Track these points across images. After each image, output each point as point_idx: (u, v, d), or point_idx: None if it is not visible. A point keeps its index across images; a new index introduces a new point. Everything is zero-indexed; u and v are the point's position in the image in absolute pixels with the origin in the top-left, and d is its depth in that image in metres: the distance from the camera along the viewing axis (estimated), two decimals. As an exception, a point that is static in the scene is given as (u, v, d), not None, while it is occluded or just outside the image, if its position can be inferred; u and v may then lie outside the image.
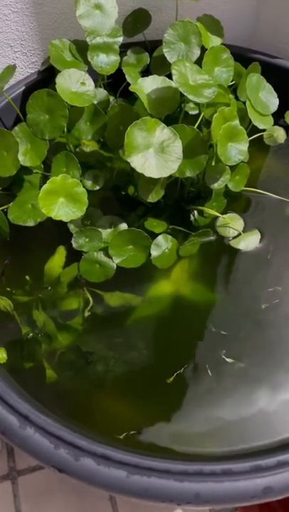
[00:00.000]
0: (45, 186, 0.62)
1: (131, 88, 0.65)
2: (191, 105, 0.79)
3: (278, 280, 0.70)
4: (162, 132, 0.62)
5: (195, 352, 0.64)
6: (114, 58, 0.76)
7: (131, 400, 0.61)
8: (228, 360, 0.62)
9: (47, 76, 0.82)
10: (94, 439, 0.51)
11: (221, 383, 0.61)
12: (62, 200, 0.64)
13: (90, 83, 0.71)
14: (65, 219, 0.64)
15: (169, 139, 0.62)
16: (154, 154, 0.62)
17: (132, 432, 0.57)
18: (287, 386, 0.60)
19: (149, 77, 0.67)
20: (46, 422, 0.52)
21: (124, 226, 0.72)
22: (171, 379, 0.61)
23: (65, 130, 0.72)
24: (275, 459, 0.49)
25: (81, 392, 0.60)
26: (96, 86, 0.77)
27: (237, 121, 0.66)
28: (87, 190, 0.73)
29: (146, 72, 0.83)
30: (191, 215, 0.76)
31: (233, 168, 0.72)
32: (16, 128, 0.71)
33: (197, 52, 0.73)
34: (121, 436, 0.56)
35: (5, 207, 0.72)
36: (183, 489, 0.48)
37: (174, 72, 0.63)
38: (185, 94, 0.61)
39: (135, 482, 0.48)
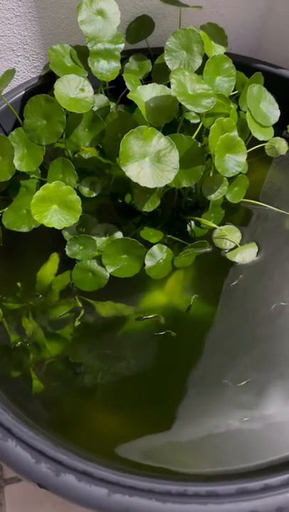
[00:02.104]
0: (37, 193, 0.61)
1: (129, 96, 0.64)
2: (193, 114, 0.78)
3: (275, 294, 0.69)
4: (159, 141, 0.61)
5: (186, 365, 0.62)
6: (114, 65, 0.75)
7: (119, 414, 0.59)
8: (219, 375, 0.61)
9: (47, 81, 0.82)
10: (76, 454, 0.50)
11: (211, 399, 0.59)
12: (55, 207, 0.63)
13: (89, 89, 0.70)
14: (57, 226, 0.63)
15: (166, 148, 0.61)
16: (150, 164, 0.61)
17: (118, 448, 0.56)
18: (279, 407, 0.59)
19: (148, 85, 0.66)
20: (28, 434, 0.50)
21: (119, 235, 0.71)
22: (162, 394, 0.59)
23: (64, 136, 0.72)
24: (262, 482, 0.48)
25: (68, 405, 0.59)
26: (97, 92, 0.77)
27: (235, 132, 0.65)
28: (84, 197, 0.72)
29: (148, 80, 0.82)
30: (188, 226, 0.75)
31: (231, 179, 0.71)
32: (13, 133, 0.70)
33: (199, 61, 0.72)
34: (106, 451, 0.55)
35: (0, 212, 0.71)
36: (165, 510, 0.46)
37: (172, 81, 0.62)
38: (183, 103, 0.60)
39: (116, 501, 0.47)
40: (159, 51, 0.81)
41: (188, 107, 0.61)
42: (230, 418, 0.58)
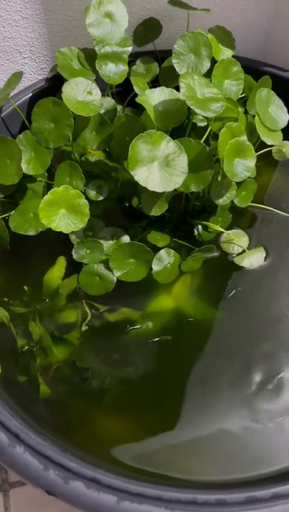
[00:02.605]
0: (46, 197, 0.61)
1: (138, 99, 0.64)
2: (200, 117, 0.78)
3: (282, 300, 0.68)
4: (167, 146, 0.61)
5: (193, 370, 0.62)
6: (122, 68, 0.75)
7: (126, 420, 0.59)
8: (227, 380, 0.61)
9: (54, 83, 0.82)
10: (84, 460, 0.50)
11: (220, 405, 0.59)
12: (63, 211, 0.62)
13: (96, 92, 0.70)
14: (65, 230, 0.63)
15: (175, 152, 0.61)
16: (159, 168, 0.61)
17: (126, 454, 0.55)
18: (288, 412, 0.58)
19: (157, 88, 0.66)
20: (36, 441, 0.50)
21: (126, 238, 0.71)
22: (170, 400, 0.59)
23: (70, 139, 0.71)
24: (271, 490, 0.47)
25: (75, 410, 0.59)
26: (104, 95, 0.76)
27: (245, 137, 0.65)
28: (91, 201, 0.72)
29: (155, 82, 0.82)
30: (195, 230, 0.74)
31: (239, 183, 0.71)
32: (21, 136, 0.70)
33: (207, 65, 0.72)
34: (114, 458, 0.55)
35: (6, 215, 0.71)
36: (174, 518, 0.46)
37: (181, 85, 0.62)
38: (192, 107, 0.60)
39: (125, 509, 0.46)
40: (166, 54, 0.81)
41: (198, 111, 0.60)
42: (239, 426, 0.57)
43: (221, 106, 0.61)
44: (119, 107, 0.80)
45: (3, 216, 0.70)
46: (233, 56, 0.77)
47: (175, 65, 0.71)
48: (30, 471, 0.48)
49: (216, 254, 0.72)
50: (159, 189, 0.60)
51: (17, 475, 0.50)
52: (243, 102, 0.80)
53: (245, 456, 0.55)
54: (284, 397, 0.60)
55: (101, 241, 0.69)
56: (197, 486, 0.52)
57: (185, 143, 0.62)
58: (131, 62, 0.81)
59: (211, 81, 0.70)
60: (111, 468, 0.51)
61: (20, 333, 0.64)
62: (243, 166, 0.65)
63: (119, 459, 0.55)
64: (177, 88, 0.66)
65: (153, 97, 0.65)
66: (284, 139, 0.75)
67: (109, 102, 0.77)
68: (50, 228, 0.64)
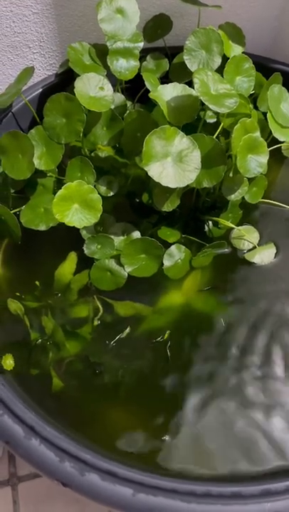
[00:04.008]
0: (60, 192, 0.61)
1: (150, 95, 0.64)
2: (210, 113, 0.78)
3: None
4: (181, 141, 0.61)
5: (205, 365, 0.63)
6: (133, 63, 0.75)
7: (139, 413, 0.59)
8: (240, 373, 0.61)
9: (64, 79, 0.82)
10: (100, 453, 0.50)
11: (233, 399, 0.59)
12: (76, 206, 0.63)
13: (108, 88, 0.70)
14: (78, 225, 0.63)
15: (188, 148, 0.61)
16: (172, 163, 0.61)
17: (139, 447, 0.56)
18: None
19: (169, 84, 0.66)
20: (52, 433, 0.51)
21: (137, 234, 0.71)
22: (182, 393, 0.59)
23: (81, 134, 0.71)
24: (285, 483, 0.48)
25: (87, 403, 0.59)
26: (114, 90, 0.76)
27: (258, 133, 0.65)
28: (101, 196, 0.72)
29: (165, 78, 0.82)
30: (206, 226, 0.75)
31: (251, 179, 0.71)
32: (33, 131, 0.70)
33: (218, 61, 0.72)
34: (126, 451, 0.55)
35: (17, 210, 0.71)
36: (189, 511, 0.46)
37: (195, 80, 0.62)
38: (206, 103, 0.60)
39: (141, 501, 0.47)
40: (176, 50, 0.81)
41: (212, 107, 0.61)
42: (253, 420, 0.58)
43: (234, 102, 0.62)
44: (128, 103, 0.80)
45: (14, 211, 0.70)
46: (243, 53, 0.77)
47: (186, 61, 0.71)
48: (46, 463, 0.49)
49: (226, 250, 0.72)
50: (172, 185, 0.60)
51: (32, 467, 0.50)
52: (252, 99, 0.80)
53: (258, 449, 0.56)
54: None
55: (112, 236, 0.69)
56: (211, 479, 0.53)
57: (198, 139, 0.62)
58: (141, 58, 0.81)
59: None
60: (124, 461, 0.51)
61: (33, 327, 0.64)
62: (256, 162, 0.65)
63: (131, 452, 0.55)
64: (188, 84, 0.67)
65: (165, 93, 0.65)
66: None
67: (119, 97, 0.78)
68: (60, 223, 0.64)
